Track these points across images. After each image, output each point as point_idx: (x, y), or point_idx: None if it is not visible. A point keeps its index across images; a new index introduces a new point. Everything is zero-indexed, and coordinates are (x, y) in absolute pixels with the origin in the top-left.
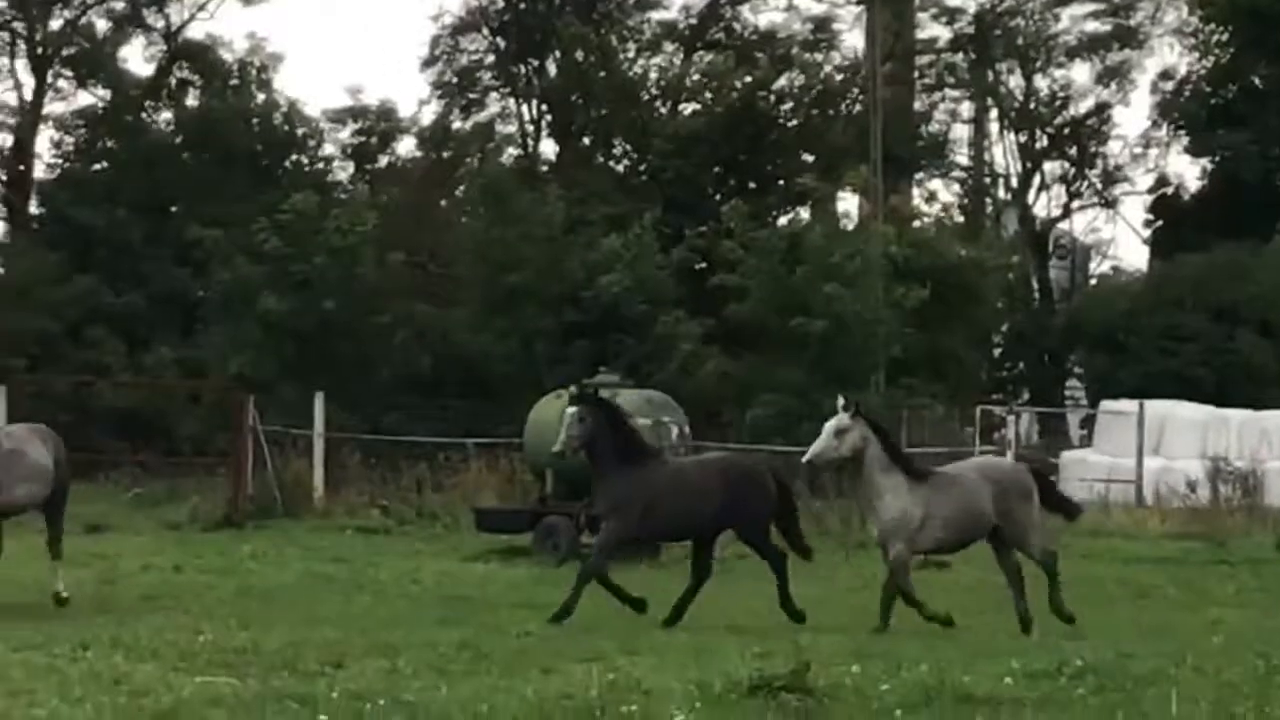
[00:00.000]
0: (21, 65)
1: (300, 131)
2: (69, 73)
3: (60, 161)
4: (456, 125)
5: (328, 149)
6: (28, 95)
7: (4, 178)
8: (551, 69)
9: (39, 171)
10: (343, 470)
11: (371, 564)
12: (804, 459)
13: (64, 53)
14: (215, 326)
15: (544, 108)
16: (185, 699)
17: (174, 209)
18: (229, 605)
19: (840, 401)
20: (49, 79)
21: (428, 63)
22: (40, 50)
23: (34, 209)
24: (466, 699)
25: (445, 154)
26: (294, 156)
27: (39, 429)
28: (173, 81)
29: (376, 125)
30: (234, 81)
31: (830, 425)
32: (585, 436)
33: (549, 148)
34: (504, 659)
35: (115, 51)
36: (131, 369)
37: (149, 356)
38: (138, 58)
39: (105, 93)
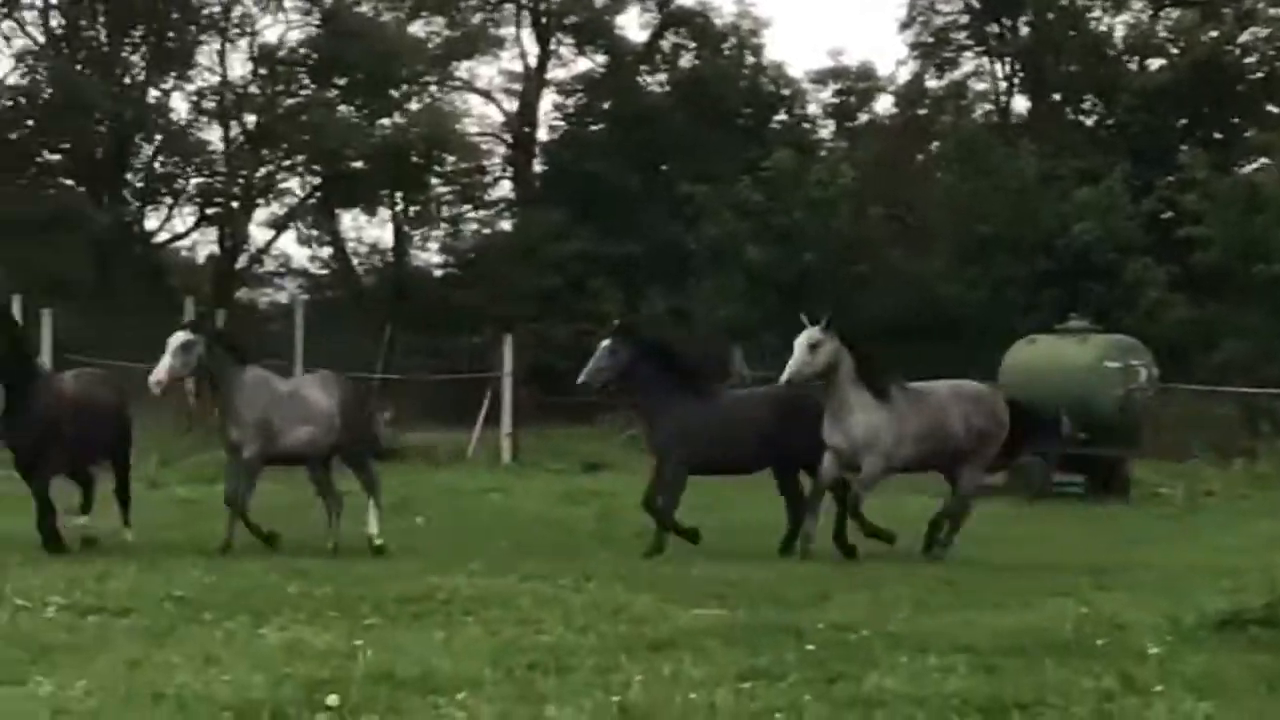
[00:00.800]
0: (526, 35)
1: (784, 92)
2: (570, 40)
3: (561, 123)
4: (932, 84)
5: (810, 108)
6: (532, 63)
7: (510, 140)
8: (1023, 28)
9: (541, 134)
10: None
11: None
12: (781, 379)
13: (565, 22)
14: (704, 277)
15: (1016, 66)
16: (681, 629)
17: (665, 166)
18: (717, 540)
19: (804, 317)
20: (551, 47)
21: (905, 24)
22: (544, 21)
23: (537, 169)
24: (946, 630)
25: (921, 111)
26: (778, 116)
27: (324, 374)
28: (666, 46)
29: (856, 85)
30: (728, 44)
31: (803, 340)
32: (616, 369)
33: (1021, 104)
34: (981, 592)
35: (612, 20)
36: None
37: (644, 305)
38: (633, 25)
39: (603, 58)
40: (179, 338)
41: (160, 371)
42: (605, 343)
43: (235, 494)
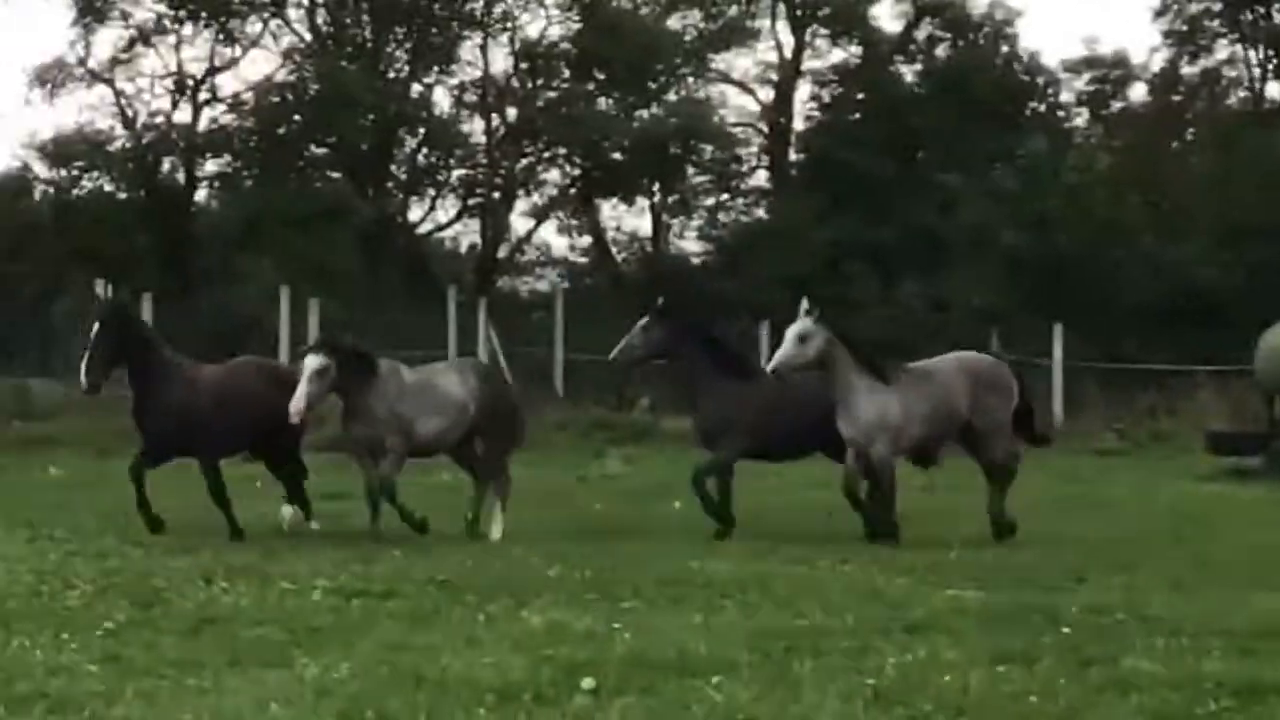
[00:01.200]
0: (782, 26)
1: (1039, 81)
2: (825, 31)
3: (817, 113)
4: (1186, 71)
5: (1064, 96)
6: (787, 54)
7: (766, 130)
8: (1277, 16)
9: (797, 124)
10: (1080, 396)
11: (1108, 485)
12: (768, 368)
13: (820, 13)
14: (959, 263)
15: (1270, 52)
16: (936, 611)
17: (920, 154)
18: (972, 522)
19: (803, 306)
20: (807, 38)
21: (1159, 13)
22: (799, 13)
23: (792, 157)
24: (1201, 613)
25: (1175, 98)
26: (1032, 104)
27: (459, 362)
28: (920, 36)
29: (1110, 73)
30: (982, 33)
31: (793, 331)
32: (648, 347)
33: (1275, 90)
34: (1238, 574)
35: (866, 11)
36: (883, 302)
37: (899, 290)
38: (887, 16)
39: (857, 49)
40: (312, 364)
41: (299, 400)
42: (641, 320)
43: (384, 481)
